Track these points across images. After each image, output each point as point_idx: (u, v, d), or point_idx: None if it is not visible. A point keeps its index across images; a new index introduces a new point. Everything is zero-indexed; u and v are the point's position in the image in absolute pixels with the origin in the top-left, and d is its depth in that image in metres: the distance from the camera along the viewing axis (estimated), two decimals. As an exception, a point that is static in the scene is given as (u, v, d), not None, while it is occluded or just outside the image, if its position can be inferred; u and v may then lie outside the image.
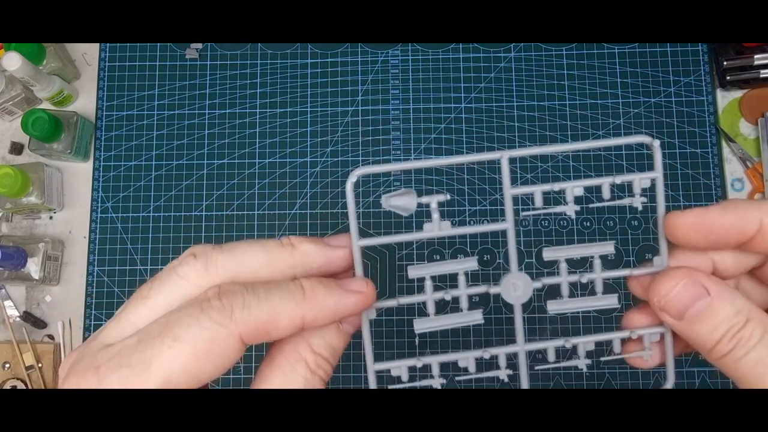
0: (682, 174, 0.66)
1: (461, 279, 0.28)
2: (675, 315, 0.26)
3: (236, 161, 0.68)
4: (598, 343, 0.29)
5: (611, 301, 0.28)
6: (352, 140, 0.68)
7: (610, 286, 0.31)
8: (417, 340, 0.62)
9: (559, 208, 0.28)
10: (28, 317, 0.66)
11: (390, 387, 0.27)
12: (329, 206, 0.67)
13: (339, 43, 0.71)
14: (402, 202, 0.27)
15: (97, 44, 0.72)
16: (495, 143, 0.67)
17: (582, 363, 0.29)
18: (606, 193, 0.28)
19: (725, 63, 0.66)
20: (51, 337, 0.66)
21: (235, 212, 0.67)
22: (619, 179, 0.27)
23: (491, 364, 0.28)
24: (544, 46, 0.70)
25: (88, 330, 0.65)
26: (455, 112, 0.68)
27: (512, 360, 0.29)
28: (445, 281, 0.28)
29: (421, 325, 0.28)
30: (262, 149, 0.69)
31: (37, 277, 0.64)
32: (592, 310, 0.31)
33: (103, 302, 0.66)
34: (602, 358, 0.29)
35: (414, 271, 0.28)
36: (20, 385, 0.64)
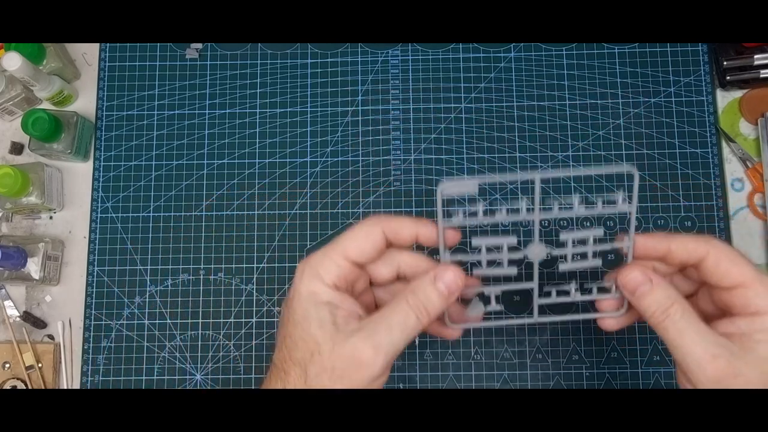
0: (682, 174, 0.66)
1: (505, 247, 0.41)
2: (630, 291, 0.40)
3: (236, 161, 0.68)
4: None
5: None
6: (352, 140, 0.68)
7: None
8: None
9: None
10: (28, 317, 0.66)
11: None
12: (329, 206, 0.67)
13: (339, 43, 0.71)
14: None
15: (97, 44, 0.72)
16: (495, 143, 0.67)
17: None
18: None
19: (725, 63, 0.66)
20: (51, 337, 0.66)
21: (235, 212, 0.67)
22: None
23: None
24: (544, 46, 0.70)
25: (88, 330, 0.65)
26: (455, 112, 0.68)
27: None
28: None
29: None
30: (262, 149, 0.68)
31: (37, 277, 0.64)
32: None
33: (103, 302, 0.66)
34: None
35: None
36: (20, 385, 0.64)
